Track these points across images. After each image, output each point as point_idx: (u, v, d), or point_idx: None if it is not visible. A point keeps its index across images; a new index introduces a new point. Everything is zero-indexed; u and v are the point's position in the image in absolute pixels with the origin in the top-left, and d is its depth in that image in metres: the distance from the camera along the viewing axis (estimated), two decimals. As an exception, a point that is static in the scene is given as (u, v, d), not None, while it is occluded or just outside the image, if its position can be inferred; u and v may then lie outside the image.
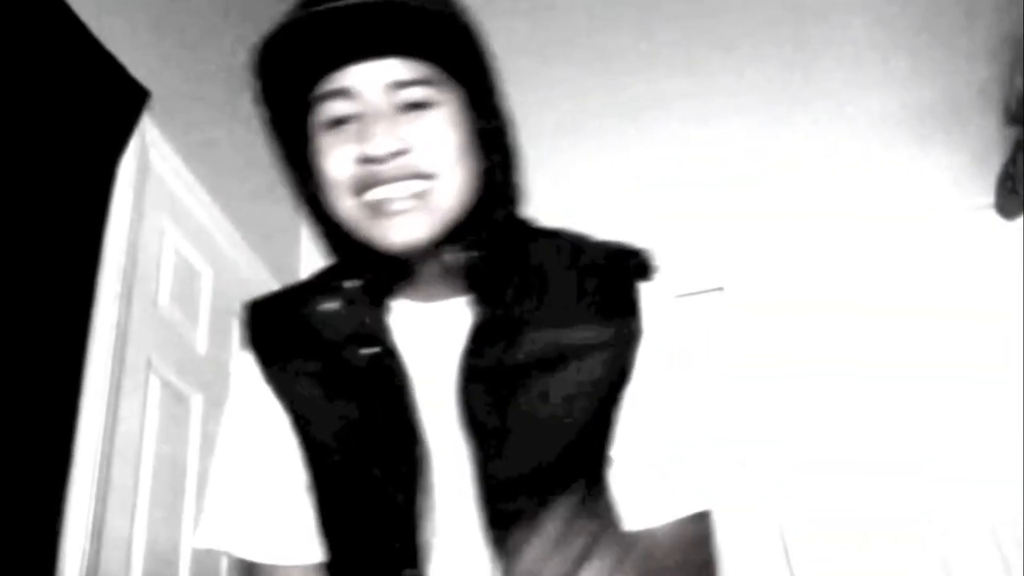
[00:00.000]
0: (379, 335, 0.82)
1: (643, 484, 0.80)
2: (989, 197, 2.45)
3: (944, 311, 2.35)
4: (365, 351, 0.81)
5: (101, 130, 1.75)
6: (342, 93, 0.78)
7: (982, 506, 2.19)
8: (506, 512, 0.78)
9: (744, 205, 2.56)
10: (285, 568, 0.83)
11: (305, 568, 0.84)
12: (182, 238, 2.10)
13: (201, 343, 2.12)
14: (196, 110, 2.24)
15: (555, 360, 0.80)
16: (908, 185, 2.53)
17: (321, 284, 0.88)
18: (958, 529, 2.18)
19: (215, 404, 2.11)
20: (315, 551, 0.84)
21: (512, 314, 0.81)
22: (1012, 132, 2.39)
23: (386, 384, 0.81)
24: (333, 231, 0.83)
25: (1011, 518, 2.13)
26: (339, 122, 0.78)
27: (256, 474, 0.85)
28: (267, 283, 2.49)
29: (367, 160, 0.76)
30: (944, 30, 2.65)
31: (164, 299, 1.99)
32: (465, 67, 0.79)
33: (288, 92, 0.80)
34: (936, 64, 2.63)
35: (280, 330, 0.87)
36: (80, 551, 1.52)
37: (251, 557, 0.84)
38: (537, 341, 0.80)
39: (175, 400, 1.96)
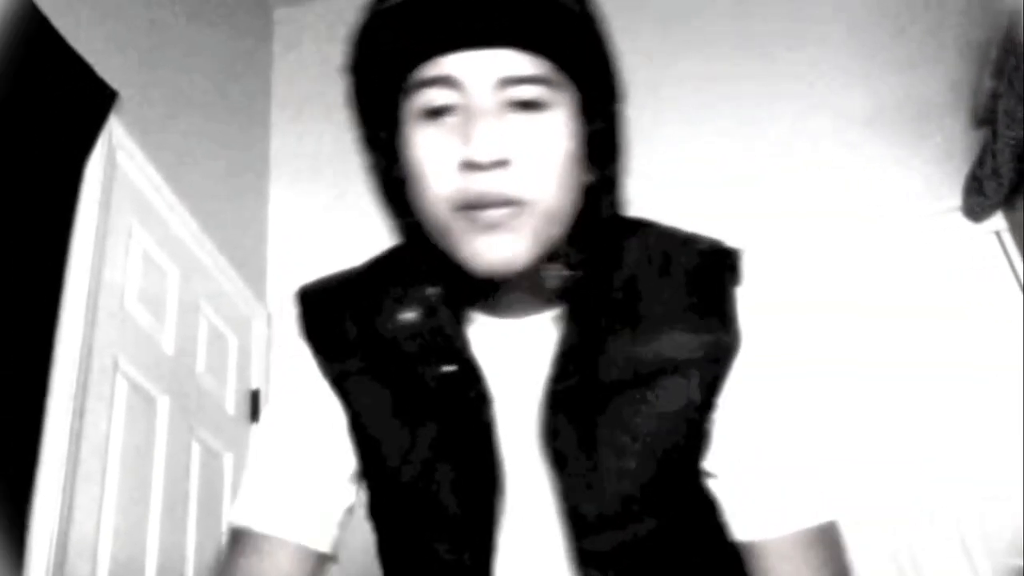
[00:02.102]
0: (460, 351, 0.74)
1: (763, 493, 0.73)
2: (957, 200, 2.46)
3: (909, 312, 2.39)
4: (445, 368, 0.74)
5: (69, 130, 1.75)
6: (445, 81, 0.68)
7: (946, 500, 2.22)
8: (596, 551, 0.71)
9: (707, 206, 2.60)
10: (283, 542, 0.76)
11: (297, 553, 0.76)
12: (149, 238, 2.09)
13: (168, 343, 2.12)
14: (163, 111, 2.24)
15: (647, 378, 0.73)
16: (875, 186, 2.55)
17: (392, 280, 0.79)
18: (924, 523, 2.21)
19: (182, 405, 2.11)
20: (323, 542, 0.78)
21: (602, 333, 0.74)
22: (980, 135, 2.41)
23: (466, 406, 0.74)
24: (411, 227, 0.74)
25: (976, 511, 2.16)
26: (437, 112, 0.69)
27: (293, 463, 0.79)
28: (234, 283, 2.49)
29: (468, 165, 0.67)
30: (915, 32, 2.69)
31: (131, 299, 1.98)
32: (587, 67, 0.70)
33: (385, 71, 0.70)
34: (904, 65, 2.66)
35: (342, 325, 0.80)
36: (46, 552, 1.51)
37: (258, 528, 0.77)
38: (628, 359, 0.73)
39: (142, 401, 1.95)
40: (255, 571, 0.75)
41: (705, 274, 0.76)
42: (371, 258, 0.85)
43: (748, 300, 0.77)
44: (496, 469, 0.73)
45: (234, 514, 0.79)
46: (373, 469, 0.78)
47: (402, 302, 0.77)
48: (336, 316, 0.81)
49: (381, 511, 0.80)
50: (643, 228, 0.80)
